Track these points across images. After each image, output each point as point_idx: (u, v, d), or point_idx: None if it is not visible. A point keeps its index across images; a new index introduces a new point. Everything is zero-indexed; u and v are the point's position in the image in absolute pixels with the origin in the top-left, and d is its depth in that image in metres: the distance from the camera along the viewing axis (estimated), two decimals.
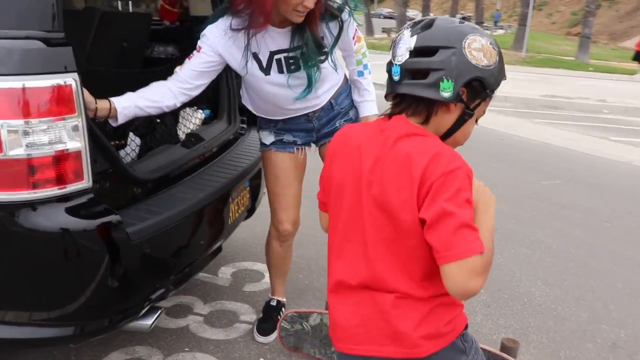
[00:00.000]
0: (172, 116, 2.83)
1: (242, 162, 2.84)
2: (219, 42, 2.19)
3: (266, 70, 2.27)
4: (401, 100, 1.42)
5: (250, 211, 3.06)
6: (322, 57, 2.29)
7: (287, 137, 2.53)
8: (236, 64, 2.25)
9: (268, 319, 2.86)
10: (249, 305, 3.15)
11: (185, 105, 2.98)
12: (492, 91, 1.38)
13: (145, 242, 1.99)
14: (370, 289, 1.41)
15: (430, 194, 1.27)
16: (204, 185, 2.44)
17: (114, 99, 2.06)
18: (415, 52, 1.35)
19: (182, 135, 2.82)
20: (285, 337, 2.72)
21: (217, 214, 2.48)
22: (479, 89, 1.36)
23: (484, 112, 1.44)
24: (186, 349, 2.71)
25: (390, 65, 1.41)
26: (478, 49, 1.33)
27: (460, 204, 1.26)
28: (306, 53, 2.21)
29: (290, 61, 2.26)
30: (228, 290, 3.30)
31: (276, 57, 2.25)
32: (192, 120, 2.93)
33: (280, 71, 2.27)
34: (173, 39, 3.56)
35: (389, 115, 1.44)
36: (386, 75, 1.44)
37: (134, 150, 2.45)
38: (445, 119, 1.39)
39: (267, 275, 3.49)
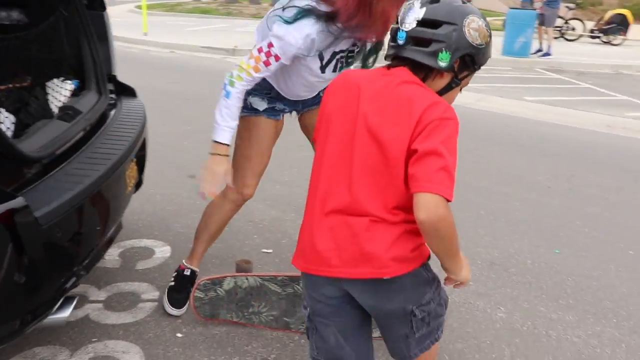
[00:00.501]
0: (41, 89, 2.54)
1: (127, 133, 2.65)
2: (302, 45, 2.16)
3: (323, 68, 2.32)
4: (401, 63, 1.57)
5: (138, 185, 2.88)
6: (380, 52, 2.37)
7: (279, 105, 2.56)
8: (302, 55, 2.22)
9: (181, 289, 2.74)
10: (147, 283, 2.99)
11: (52, 76, 2.70)
12: (479, 67, 1.59)
13: (55, 225, 1.79)
14: (345, 214, 1.53)
15: (426, 132, 1.44)
16: (99, 160, 2.24)
17: (225, 141, 2.29)
18: (422, 23, 1.51)
19: (54, 108, 2.55)
20: (200, 306, 2.64)
21: (117, 188, 2.31)
22: (469, 63, 1.56)
23: (467, 83, 1.63)
24: (94, 340, 2.52)
25: (396, 30, 1.56)
26: (475, 29, 1.53)
27: (451, 150, 1.43)
28: (368, 51, 2.34)
29: (349, 60, 2.35)
30: (120, 271, 3.10)
31: (337, 56, 2.30)
32: (62, 92, 2.66)
33: (335, 70, 2.34)
34: (17, 2, 3.14)
35: (389, 67, 1.59)
36: None
37: (9, 128, 2.16)
38: (436, 84, 1.57)
39: (157, 250, 3.34)
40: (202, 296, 2.63)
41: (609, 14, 16.29)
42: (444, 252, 1.53)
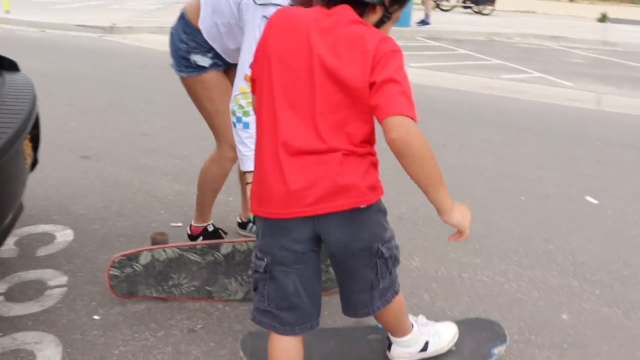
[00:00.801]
0: None
1: (18, 108, 2.43)
2: None
3: None
4: (339, 1, 1.60)
5: (34, 164, 2.67)
6: None
7: (218, 61, 2.62)
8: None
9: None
10: (52, 268, 2.80)
11: None
12: (406, 1, 1.66)
13: None
14: (315, 153, 1.54)
15: (380, 65, 1.50)
16: None
17: None
18: None
19: None
20: (116, 285, 2.51)
21: (16, 165, 2.12)
22: None
23: (397, 18, 1.69)
24: None
25: None
26: None
27: (404, 78, 1.51)
28: None
29: None
30: (19, 260, 2.87)
31: None
32: None
33: None
34: None
35: (327, 5, 1.61)
36: None
37: None
38: (370, 19, 1.62)
39: (58, 234, 3.13)
40: (117, 274, 2.50)
41: None
42: (425, 177, 1.52)
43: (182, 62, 2.61)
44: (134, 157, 4.31)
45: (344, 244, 1.64)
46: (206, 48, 2.58)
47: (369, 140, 1.61)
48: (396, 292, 1.85)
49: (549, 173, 4.52)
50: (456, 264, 3.05)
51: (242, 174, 2.94)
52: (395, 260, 1.77)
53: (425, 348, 2.10)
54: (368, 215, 1.62)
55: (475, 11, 16.85)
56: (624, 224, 3.69)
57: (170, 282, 2.55)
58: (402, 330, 2.04)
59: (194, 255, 2.53)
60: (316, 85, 1.53)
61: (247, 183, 2.46)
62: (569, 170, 4.62)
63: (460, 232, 1.67)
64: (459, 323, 2.37)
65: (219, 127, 2.70)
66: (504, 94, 7.44)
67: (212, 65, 2.61)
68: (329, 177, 1.54)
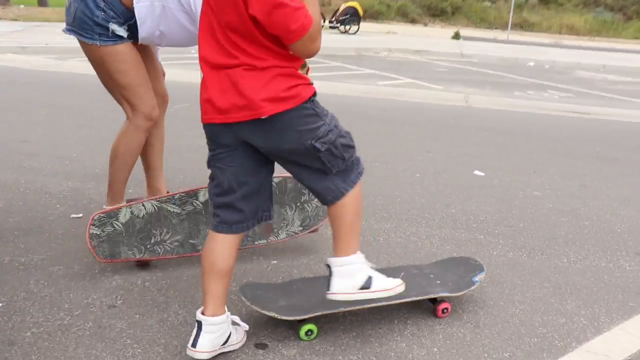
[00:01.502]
0: None
1: None
2: None
3: None
4: None
5: None
6: None
7: (131, 34, 2.54)
8: None
9: None
10: None
11: None
12: None
13: None
14: (225, 67, 1.72)
15: None
16: None
17: None
18: None
19: None
20: (97, 245, 2.36)
21: None
22: None
23: None
24: None
25: None
26: None
27: None
28: None
29: None
30: None
31: None
32: None
33: None
34: None
35: None
36: None
37: None
38: None
39: None
40: (98, 232, 2.31)
41: (343, 7, 17.92)
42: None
43: (97, 29, 2.44)
44: (17, 160, 3.96)
45: (271, 148, 1.80)
46: (123, 20, 2.45)
47: (273, 52, 1.71)
48: (360, 173, 1.94)
49: (437, 155, 4.77)
50: (370, 230, 3.10)
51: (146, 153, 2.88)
52: (343, 147, 1.86)
53: (368, 285, 1.95)
54: (282, 122, 1.74)
55: (342, 31, 17.51)
56: (511, 190, 3.97)
57: (153, 240, 2.40)
58: (351, 246, 1.93)
59: (173, 206, 2.43)
60: (224, 9, 1.69)
61: None
62: (454, 152, 4.90)
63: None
64: (436, 264, 2.53)
65: (132, 98, 2.58)
66: (381, 96, 7.77)
67: (129, 37, 2.51)
68: (235, 89, 1.72)
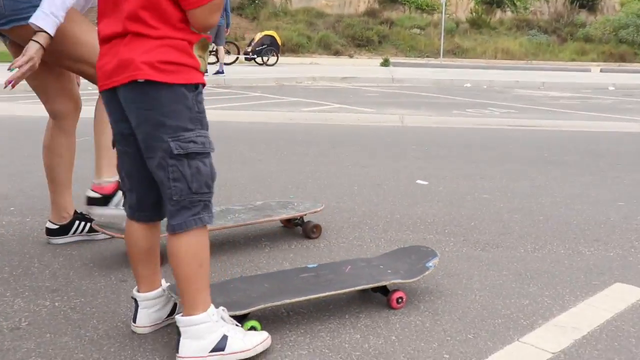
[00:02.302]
0: None
1: None
2: None
3: None
4: None
5: None
6: None
7: None
8: None
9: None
10: None
11: None
12: None
13: None
14: (115, 37, 1.84)
15: None
16: None
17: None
18: None
19: None
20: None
21: None
22: None
23: None
24: None
25: None
26: None
27: None
28: None
29: None
30: None
31: None
32: None
33: None
34: None
35: None
36: None
37: None
38: None
39: None
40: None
41: (258, 36, 18.29)
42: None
43: (35, 2, 2.48)
44: None
45: (135, 125, 1.86)
46: None
47: (169, 23, 1.79)
48: (200, 221, 1.87)
49: (374, 169, 4.91)
50: (307, 239, 3.16)
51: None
52: (197, 176, 1.84)
53: (222, 346, 1.88)
54: (155, 92, 1.80)
55: (259, 63, 17.83)
56: (458, 194, 4.14)
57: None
58: (197, 301, 1.88)
59: None
60: None
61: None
62: (393, 165, 5.07)
63: None
64: (385, 255, 2.63)
65: (82, 57, 2.72)
66: (307, 122, 7.94)
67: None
68: (118, 54, 1.82)
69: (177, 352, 1.88)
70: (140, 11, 1.78)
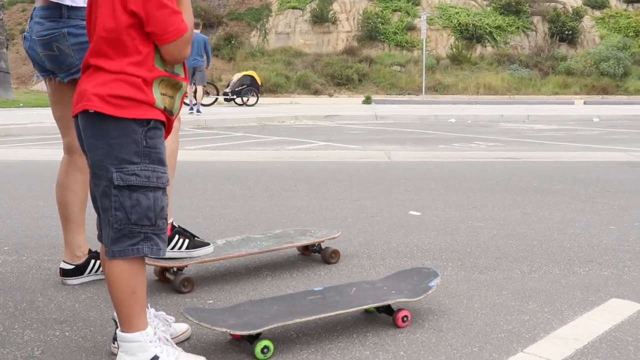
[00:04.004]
0: None
1: None
2: None
3: None
4: None
5: None
6: None
7: None
8: None
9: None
10: None
11: None
12: None
13: None
14: (85, 70, 2.06)
15: None
16: None
17: None
18: None
19: None
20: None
21: None
22: None
23: None
24: None
25: None
26: None
27: None
28: None
29: None
30: None
31: None
32: None
33: None
34: None
35: None
36: None
37: None
38: None
39: None
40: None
41: (237, 77, 18.63)
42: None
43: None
44: None
45: (87, 151, 2.06)
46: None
47: (128, 57, 1.97)
48: (137, 252, 2.01)
49: (366, 202, 5.09)
50: (304, 265, 3.30)
51: None
52: (137, 209, 1.99)
53: None
54: (104, 125, 1.98)
55: (238, 103, 18.15)
56: (451, 224, 4.32)
57: None
58: (131, 321, 2.03)
59: None
60: (104, 6, 2.00)
61: None
62: (384, 198, 5.25)
63: None
64: (389, 277, 2.78)
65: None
66: (294, 159, 8.13)
67: None
68: (80, 87, 2.04)
69: None
70: (102, 46, 1.98)
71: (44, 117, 13.70)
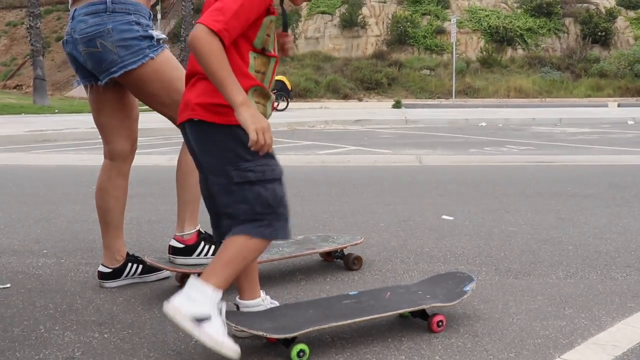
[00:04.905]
0: None
1: None
2: None
3: None
4: None
5: None
6: None
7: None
8: None
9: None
10: None
11: None
12: None
13: None
14: (191, 77, 2.22)
15: None
16: None
17: None
18: None
19: None
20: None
21: None
22: None
23: None
24: None
25: None
26: None
27: (243, 4, 2.04)
28: None
29: None
30: None
31: None
32: None
33: None
34: None
35: None
36: None
37: None
38: None
39: None
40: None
41: None
42: (210, 75, 2.03)
43: (145, 43, 2.73)
44: None
45: (198, 152, 2.22)
46: (150, 21, 2.81)
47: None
48: (259, 235, 2.18)
49: (398, 206, 5.08)
50: (338, 271, 3.31)
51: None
52: (259, 199, 2.16)
53: (199, 320, 2.06)
54: (211, 132, 2.14)
55: None
56: (485, 228, 4.29)
57: None
58: (214, 277, 2.12)
59: None
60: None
61: None
62: (416, 202, 5.24)
63: (256, 140, 2.03)
64: (423, 282, 2.81)
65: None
66: (325, 164, 8.15)
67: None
68: (186, 93, 2.22)
69: (171, 299, 2.11)
70: None
71: (79, 123, 13.96)
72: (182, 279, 3.03)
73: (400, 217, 4.68)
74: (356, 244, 3.40)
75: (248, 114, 1.99)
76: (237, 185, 2.14)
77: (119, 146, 3.02)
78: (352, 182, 6.39)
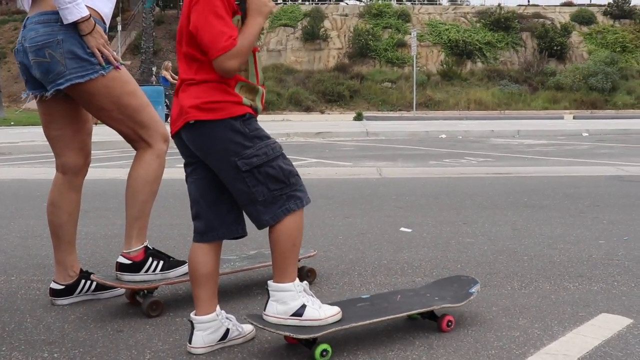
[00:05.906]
0: None
1: None
2: None
3: None
4: None
5: None
6: None
7: None
8: None
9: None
10: None
11: None
12: None
13: None
14: (182, 84, 2.33)
15: (195, 7, 2.21)
16: None
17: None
18: None
19: None
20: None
21: None
22: None
23: None
24: None
25: None
26: None
27: (218, 15, 2.17)
28: None
29: None
30: None
31: None
32: None
33: None
34: None
35: None
36: None
37: None
38: None
39: None
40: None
41: None
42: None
43: (95, 60, 2.71)
44: None
45: (204, 157, 2.31)
46: (105, 32, 2.80)
47: (206, 68, 2.23)
48: (288, 210, 2.34)
49: (357, 219, 5.09)
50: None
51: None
52: (269, 177, 2.30)
53: (300, 313, 2.32)
54: (208, 129, 2.25)
55: None
56: (442, 240, 4.32)
57: None
58: (285, 274, 2.35)
59: None
60: (183, 25, 2.30)
61: None
62: (375, 215, 5.26)
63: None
64: (430, 285, 2.93)
65: (148, 120, 2.89)
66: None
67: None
68: (177, 102, 2.32)
69: (264, 310, 2.35)
70: (189, 62, 2.26)
71: (35, 136, 13.71)
72: (132, 297, 2.99)
73: (359, 229, 4.69)
74: (309, 257, 3.40)
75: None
76: (246, 172, 2.25)
77: (71, 160, 2.96)
78: (311, 196, 6.35)
